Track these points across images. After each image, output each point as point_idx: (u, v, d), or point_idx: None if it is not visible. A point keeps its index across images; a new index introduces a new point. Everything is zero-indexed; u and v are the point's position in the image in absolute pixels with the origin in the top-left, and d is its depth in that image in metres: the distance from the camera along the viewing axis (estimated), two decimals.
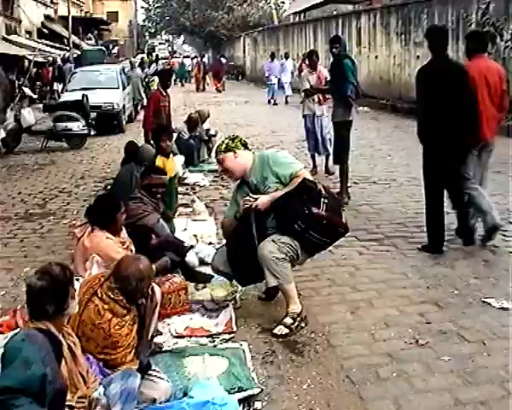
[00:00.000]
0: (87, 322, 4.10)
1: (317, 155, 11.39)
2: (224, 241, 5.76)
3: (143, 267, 4.25)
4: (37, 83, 28.85)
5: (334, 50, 9.10)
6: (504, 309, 5.30)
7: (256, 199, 5.08)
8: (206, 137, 12.63)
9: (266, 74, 28.26)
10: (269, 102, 26.82)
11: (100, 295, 4.15)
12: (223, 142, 5.34)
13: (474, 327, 5.00)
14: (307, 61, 11.37)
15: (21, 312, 4.61)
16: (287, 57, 29.50)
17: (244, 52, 50.86)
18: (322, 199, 5.00)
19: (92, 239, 5.34)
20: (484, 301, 5.48)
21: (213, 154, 6.48)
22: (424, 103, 6.77)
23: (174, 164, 8.67)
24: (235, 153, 5.21)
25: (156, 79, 23.76)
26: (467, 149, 6.81)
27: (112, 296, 4.14)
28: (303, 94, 11.04)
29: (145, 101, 21.87)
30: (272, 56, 29.66)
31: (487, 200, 7.02)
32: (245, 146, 5.31)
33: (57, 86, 28.44)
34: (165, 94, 11.17)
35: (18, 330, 4.19)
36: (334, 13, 31.49)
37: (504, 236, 7.33)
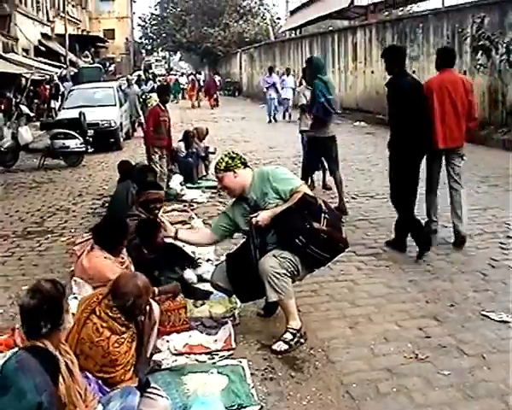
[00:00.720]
0: (86, 340, 4.08)
1: None
2: (223, 257, 5.77)
3: (141, 284, 4.22)
4: (35, 101, 28.93)
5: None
6: (504, 322, 5.30)
7: (257, 215, 5.09)
8: (204, 154, 12.64)
9: (264, 90, 26.91)
10: (270, 121, 25.43)
11: (98, 314, 4.13)
12: (222, 160, 5.30)
13: (473, 341, 5.00)
14: (303, 77, 11.37)
15: (20, 330, 4.59)
16: (288, 73, 27.01)
17: (240, 68, 51.05)
18: (323, 214, 5.02)
19: (90, 259, 5.34)
20: (483, 315, 5.48)
21: (212, 169, 6.40)
22: (389, 116, 7.46)
23: None
24: (235, 172, 5.21)
25: (154, 95, 23.86)
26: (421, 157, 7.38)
27: (110, 314, 4.12)
28: (299, 109, 11.07)
29: (142, 118, 21.95)
30: (270, 70, 27.67)
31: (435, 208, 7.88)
32: (244, 164, 5.31)
33: (54, 104, 28.53)
34: (164, 109, 11.22)
35: (16, 349, 4.18)
36: (330, 29, 31.64)
37: (502, 249, 7.35)
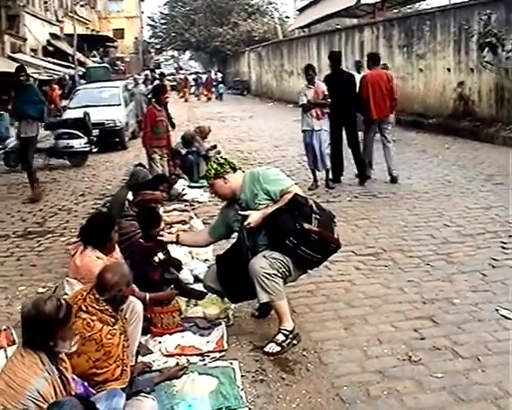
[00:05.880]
0: None
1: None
2: None
3: (127, 271, 4.33)
4: None
5: None
6: (500, 324, 5.21)
7: (247, 216, 5.04)
8: (204, 152, 12.56)
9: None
10: None
11: (85, 309, 4.11)
12: (211, 167, 5.27)
13: (469, 343, 4.91)
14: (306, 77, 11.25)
15: (6, 333, 4.56)
16: (359, 69, 16.49)
17: (249, 67, 51.00)
18: (314, 215, 4.97)
19: (82, 258, 5.29)
20: (480, 316, 5.39)
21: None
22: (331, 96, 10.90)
23: None
24: (225, 179, 5.19)
25: None
26: (354, 121, 11.52)
27: (98, 307, 4.12)
28: (301, 109, 11.02)
29: None
30: (358, 66, 17.03)
31: (369, 155, 11.78)
32: (234, 169, 5.27)
33: (65, 103, 28.54)
34: (160, 109, 11.17)
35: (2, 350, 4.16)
36: (338, 27, 31.49)
37: (504, 248, 7.24)
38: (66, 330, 3.40)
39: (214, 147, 13.58)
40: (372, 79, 11.31)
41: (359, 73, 15.04)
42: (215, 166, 5.23)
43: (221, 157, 5.45)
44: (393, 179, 11.31)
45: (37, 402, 3.21)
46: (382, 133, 11.51)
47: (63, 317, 3.39)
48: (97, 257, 5.29)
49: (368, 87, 11.22)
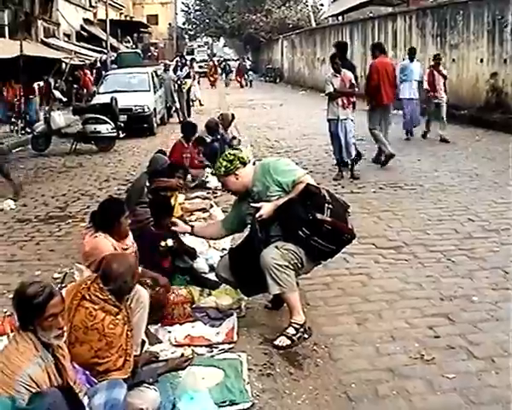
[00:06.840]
0: (79, 326, 4.00)
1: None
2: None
3: (132, 263, 4.28)
4: (74, 85, 29.09)
5: None
6: None
7: (260, 208, 4.95)
8: (229, 140, 12.45)
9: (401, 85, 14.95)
10: (408, 133, 15.72)
11: (89, 298, 4.07)
12: (221, 164, 5.16)
13: (484, 343, 4.75)
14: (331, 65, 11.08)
15: (10, 319, 4.55)
16: (412, 57, 15.78)
17: (282, 55, 50.72)
18: (327, 204, 4.86)
19: (92, 239, 5.25)
20: (498, 316, 5.21)
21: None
22: None
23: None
24: (236, 174, 5.11)
25: (189, 81, 23.82)
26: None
27: (101, 297, 4.07)
28: (326, 97, 10.85)
29: (178, 104, 21.89)
30: (412, 53, 15.93)
31: (383, 138, 11.94)
32: (244, 163, 5.16)
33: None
34: (187, 146, 10.97)
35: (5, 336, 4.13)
36: (371, 15, 31.06)
37: None
38: (44, 319, 3.30)
39: (233, 138, 13.46)
40: (381, 67, 12.04)
41: None
42: (225, 163, 5.13)
43: (229, 153, 5.33)
44: (388, 158, 11.97)
45: (28, 388, 3.15)
46: (387, 116, 12.24)
47: (38, 304, 3.29)
48: (106, 238, 5.25)
49: (378, 74, 11.93)
